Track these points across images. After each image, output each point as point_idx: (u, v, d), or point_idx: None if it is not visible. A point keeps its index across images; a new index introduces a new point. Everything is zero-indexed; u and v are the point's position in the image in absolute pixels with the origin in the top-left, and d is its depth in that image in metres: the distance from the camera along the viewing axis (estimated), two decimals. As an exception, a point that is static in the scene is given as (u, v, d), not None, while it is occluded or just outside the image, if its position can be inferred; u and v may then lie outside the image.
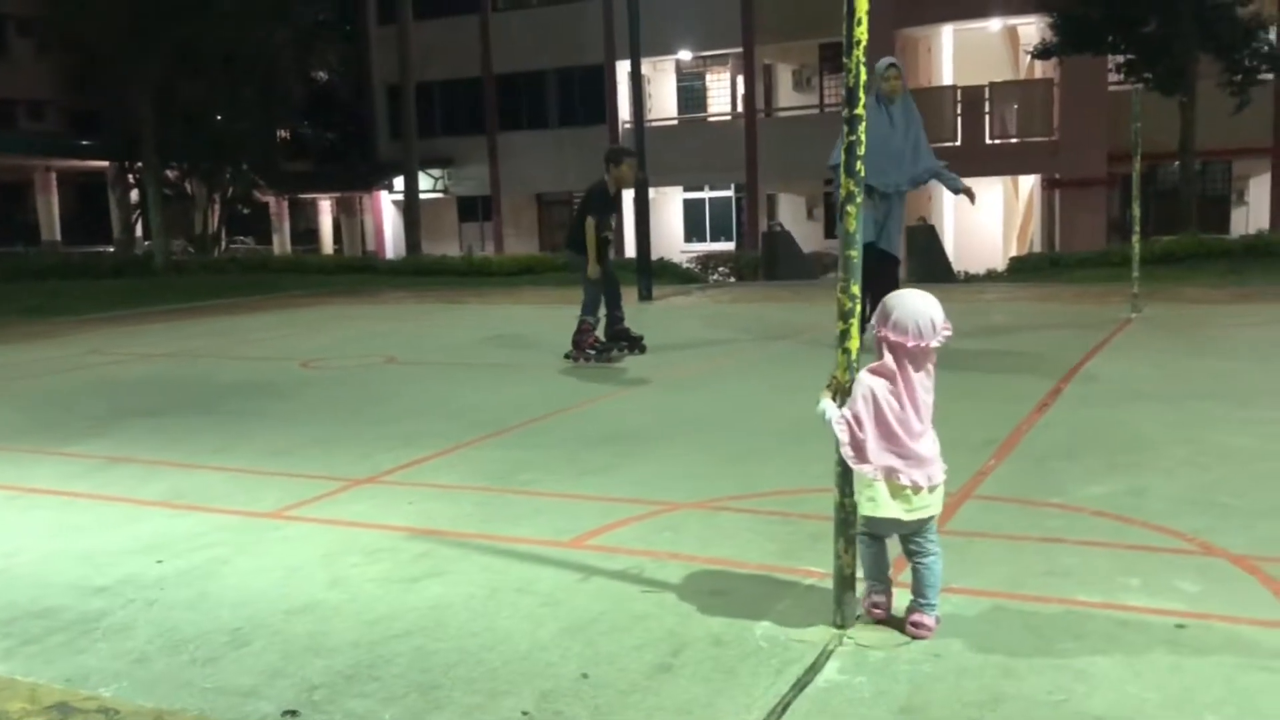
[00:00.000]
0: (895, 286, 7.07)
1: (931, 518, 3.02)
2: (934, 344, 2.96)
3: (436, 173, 32.70)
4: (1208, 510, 4.07)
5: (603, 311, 8.76)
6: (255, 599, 3.51)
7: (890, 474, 2.95)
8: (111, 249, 32.37)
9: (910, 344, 2.94)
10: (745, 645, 2.98)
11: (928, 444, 2.99)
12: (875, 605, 3.10)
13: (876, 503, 2.97)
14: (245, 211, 34.65)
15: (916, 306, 2.96)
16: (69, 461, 5.70)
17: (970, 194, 8.51)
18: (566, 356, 8.67)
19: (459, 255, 24.00)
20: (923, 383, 3.00)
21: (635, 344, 8.89)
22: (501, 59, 31.58)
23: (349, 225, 36.92)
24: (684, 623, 3.14)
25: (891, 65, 8.07)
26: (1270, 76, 19.14)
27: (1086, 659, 2.82)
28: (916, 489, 2.95)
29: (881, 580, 3.12)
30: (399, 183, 30.74)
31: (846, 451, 2.97)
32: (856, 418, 2.96)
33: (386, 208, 34.33)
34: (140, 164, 27.79)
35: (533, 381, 7.90)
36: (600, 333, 8.73)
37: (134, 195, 32.62)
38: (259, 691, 2.84)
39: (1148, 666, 2.77)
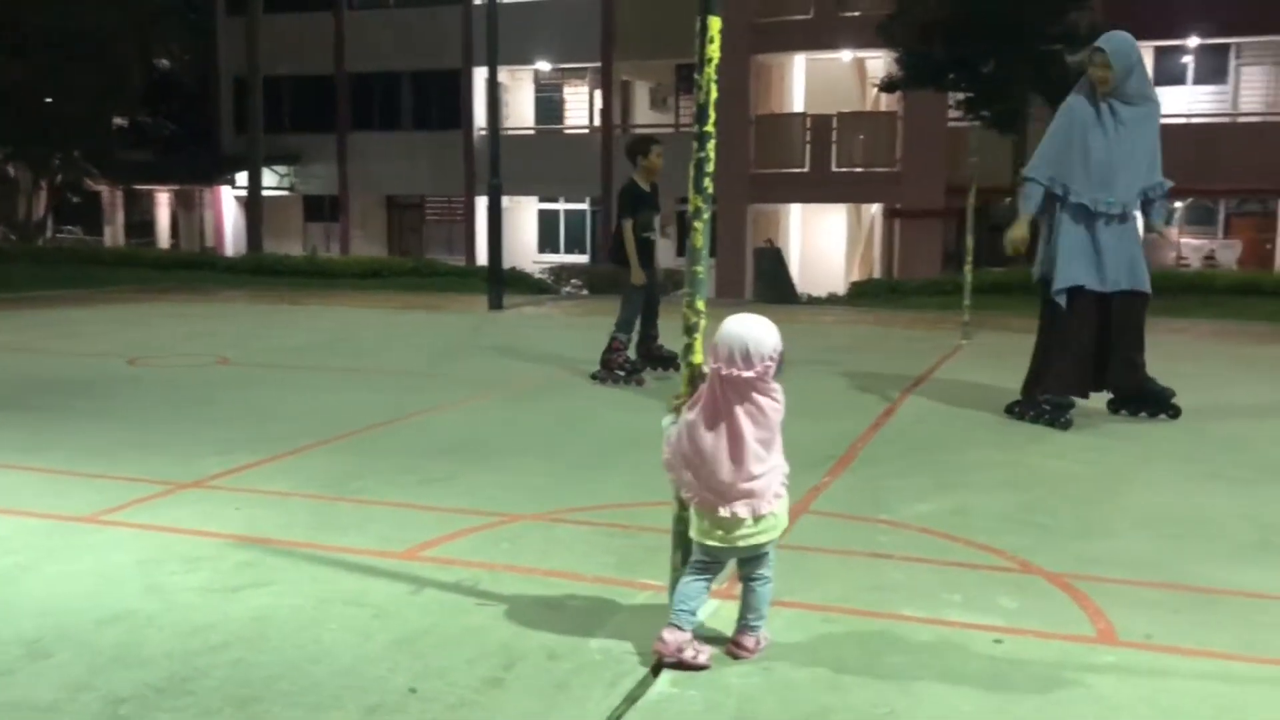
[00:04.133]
0: (1142, 328, 6.49)
1: (766, 543, 2.95)
2: (748, 374, 2.81)
3: (282, 169, 31.71)
4: (1026, 529, 4.25)
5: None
6: (61, 608, 3.30)
7: (706, 504, 2.89)
8: (-78, 233, 30.26)
9: (724, 371, 2.82)
10: (579, 658, 2.95)
11: (744, 479, 2.86)
12: (661, 640, 2.89)
13: (697, 530, 2.96)
14: (76, 200, 32.88)
15: (739, 333, 2.83)
16: None
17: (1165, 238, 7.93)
18: (593, 377, 7.88)
19: (303, 255, 23.29)
20: (749, 413, 2.85)
21: (669, 364, 7.99)
22: (355, 58, 30.89)
23: (187, 219, 35.45)
24: (518, 636, 3.09)
25: (1097, 50, 6.40)
26: (1095, 122, 20.28)
27: (910, 673, 2.89)
28: (737, 521, 2.86)
29: (686, 612, 2.91)
30: (242, 178, 29.67)
31: (667, 468, 2.97)
32: (678, 448, 2.94)
33: (228, 203, 33.10)
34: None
35: (373, 387, 7.71)
36: (630, 350, 7.94)
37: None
38: (59, 707, 2.66)
39: (968, 680, 2.86)
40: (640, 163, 7.83)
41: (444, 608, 3.31)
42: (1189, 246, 25.51)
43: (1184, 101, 25.21)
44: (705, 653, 2.91)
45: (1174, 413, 6.53)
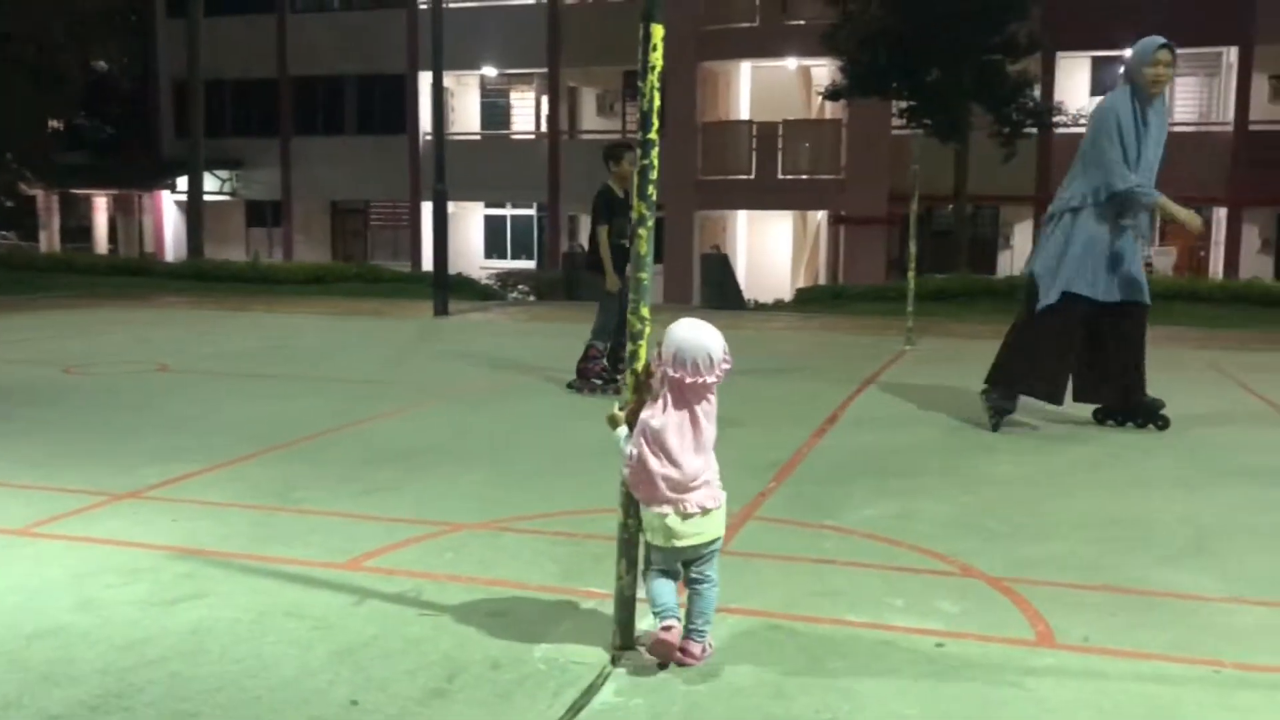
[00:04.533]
0: (1143, 342, 6.46)
1: (714, 541, 3.02)
2: (711, 379, 2.94)
3: (224, 174, 31.27)
4: (968, 533, 4.30)
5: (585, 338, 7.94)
6: (-10, 624, 3.22)
7: (672, 504, 2.94)
8: None
9: (689, 380, 2.91)
10: (523, 668, 2.93)
11: (707, 472, 2.99)
12: (667, 628, 2.97)
13: (658, 532, 2.97)
14: (9, 205, 32.15)
15: (697, 341, 2.92)
16: None
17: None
18: (569, 386, 7.85)
19: (245, 261, 22.98)
20: (705, 411, 2.98)
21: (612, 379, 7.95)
22: (298, 61, 30.57)
23: (126, 225, 34.81)
24: (461, 646, 3.07)
25: (1164, 47, 6.20)
26: (1035, 131, 20.64)
27: (853, 678, 2.91)
28: (689, 514, 2.94)
29: (669, 609, 3.01)
30: (183, 182, 29.19)
31: (633, 486, 2.97)
32: (639, 454, 2.94)
33: (168, 208, 32.57)
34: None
35: (316, 394, 7.62)
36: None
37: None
38: (-13, 726, 2.60)
39: (909, 684, 2.88)
40: (612, 169, 7.81)
41: (386, 618, 3.28)
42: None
43: (1120, 111, 25.65)
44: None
45: (1163, 424, 6.48)
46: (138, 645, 3.06)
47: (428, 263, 21.84)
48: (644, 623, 3.07)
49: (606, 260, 7.68)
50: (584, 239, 28.81)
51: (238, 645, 3.07)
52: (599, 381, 7.78)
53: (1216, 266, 24.82)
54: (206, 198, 28.09)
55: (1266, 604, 3.56)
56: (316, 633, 3.16)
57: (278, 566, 3.76)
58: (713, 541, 3.01)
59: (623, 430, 3.01)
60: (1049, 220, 6.41)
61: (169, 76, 31.57)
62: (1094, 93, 25.52)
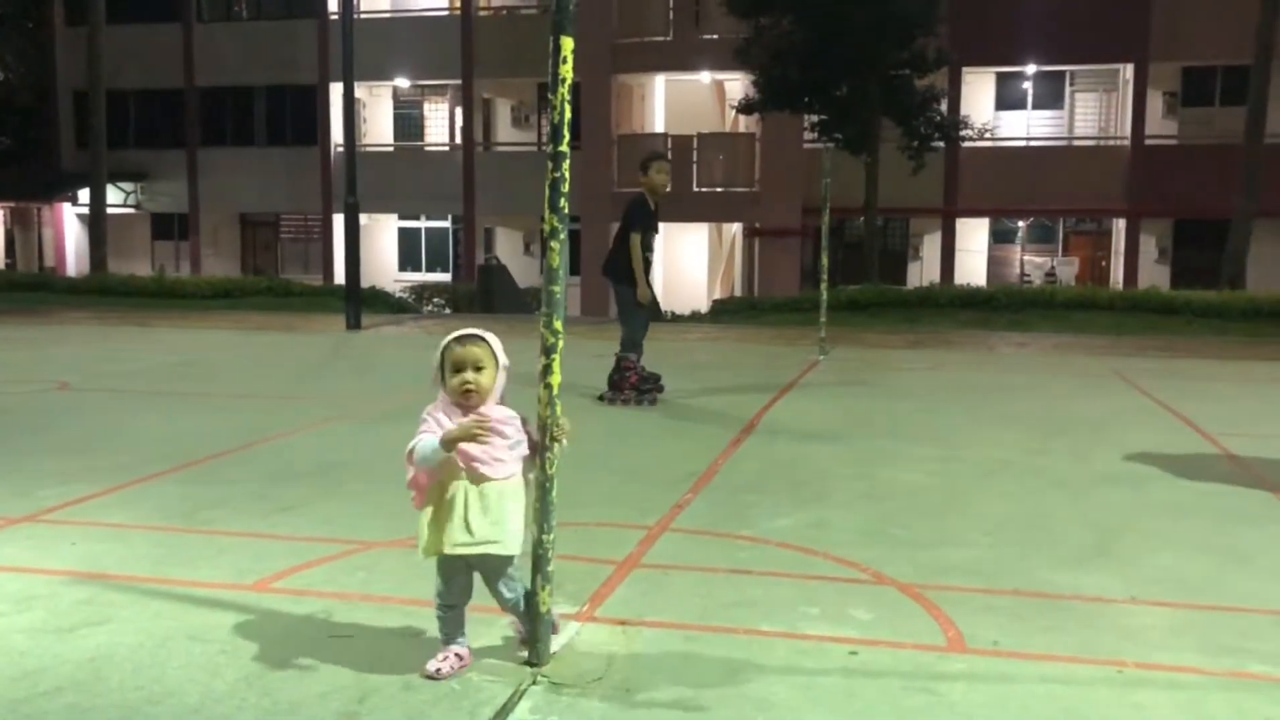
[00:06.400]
0: None
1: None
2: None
3: (128, 186, 30.46)
4: (880, 541, 4.36)
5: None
6: (-127, 657, 3.07)
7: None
8: None
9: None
10: (436, 689, 2.88)
11: None
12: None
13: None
14: (-103, 218, 30.97)
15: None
16: None
17: None
18: (600, 399, 7.75)
19: (150, 275, 22.39)
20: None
21: (655, 384, 7.97)
22: (206, 71, 29.94)
23: (24, 239, 33.70)
24: (373, 667, 3.01)
25: None
26: (942, 144, 21.11)
27: (768, 688, 2.92)
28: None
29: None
30: (85, 195, 28.39)
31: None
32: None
33: (69, 221, 31.63)
34: None
35: (224, 412, 7.44)
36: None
37: None
38: None
39: (824, 692, 2.91)
40: (641, 180, 7.68)
41: (296, 641, 3.20)
42: (1031, 264, 26.74)
43: (1024, 125, 26.45)
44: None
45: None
46: (32, 675, 2.94)
47: (340, 276, 21.51)
48: (558, 639, 3.05)
49: (638, 268, 7.54)
50: (493, 252, 28.70)
51: (139, 673, 2.97)
52: (634, 393, 7.71)
53: (1116, 275, 25.63)
54: (110, 210, 27.31)
55: (1165, 604, 3.67)
56: (223, 657, 3.08)
57: (183, 589, 3.65)
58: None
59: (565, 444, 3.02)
60: None
61: (68, 86, 30.67)
62: (998, 107, 26.25)
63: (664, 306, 20.69)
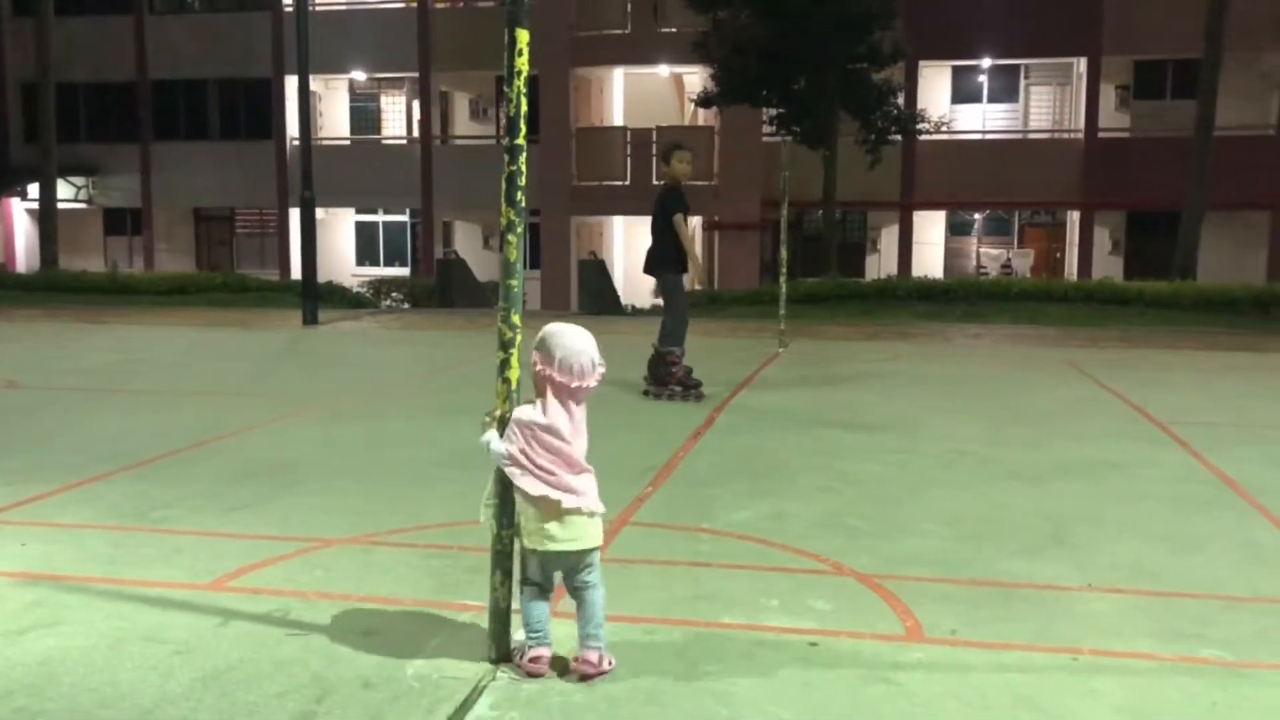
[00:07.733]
0: None
1: (591, 550, 3.01)
2: (592, 383, 2.98)
3: (79, 181, 29.94)
4: (839, 532, 4.39)
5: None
6: None
7: (554, 506, 2.93)
8: None
9: (574, 384, 2.95)
10: (396, 686, 2.86)
11: (587, 476, 3.01)
12: (535, 659, 2.97)
13: (535, 535, 2.94)
14: None
15: (580, 347, 2.97)
16: None
17: None
18: (645, 394, 7.74)
19: (102, 271, 22.03)
20: (581, 417, 3.01)
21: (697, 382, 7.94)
22: (159, 64, 29.48)
23: (-28, 234, 33.08)
24: (331, 666, 2.98)
25: None
26: (899, 137, 21.23)
27: (727, 680, 2.93)
28: (569, 513, 2.93)
29: (542, 632, 3.00)
30: (34, 190, 27.88)
31: (526, 486, 2.93)
32: (523, 454, 2.93)
33: (19, 217, 31.07)
34: None
35: (179, 409, 7.35)
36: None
37: None
38: None
39: (783, 684, 2.92)
40: (664, 170, 7.73)
41: (252, 640, 3.17)
42: (987, 256, 26.99)
43: (979, 119, 26.67)
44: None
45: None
46: (-19, 680, 2.89)
47: (297, 271, 21.30)
48: (519, 634, 3.04)
49: (689, 245, 7.57)
50: (452, 247, 28.55)
51: (92, 675, 2.93)
52: (679, 388, 7.69)
53: (1071, 267, 25.93)
54: (61, 205, 26.85)
55: (1118, 591, 3.72)
56: (178, 658, 3.04)
57: (136, 590, 3.60)
58: (590, 550, 3.00)
59: (489, 436, 2.98)
60: None
61: (16, 79, 30.10)
62: (954, 100, 26.45)
63: (624, 301, 20.68)
